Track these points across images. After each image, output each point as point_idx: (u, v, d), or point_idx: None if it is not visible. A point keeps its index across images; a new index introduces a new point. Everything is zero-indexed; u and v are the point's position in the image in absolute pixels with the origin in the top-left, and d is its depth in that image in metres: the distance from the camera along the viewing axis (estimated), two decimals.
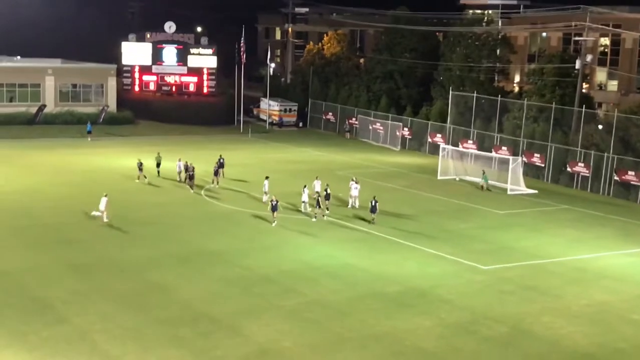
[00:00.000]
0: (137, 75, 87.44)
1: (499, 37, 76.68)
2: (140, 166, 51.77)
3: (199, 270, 33.81)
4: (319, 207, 43.55)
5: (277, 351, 25.80)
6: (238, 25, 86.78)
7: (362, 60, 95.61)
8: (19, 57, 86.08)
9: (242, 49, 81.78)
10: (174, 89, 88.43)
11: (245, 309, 29.40)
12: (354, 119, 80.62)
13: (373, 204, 43.30)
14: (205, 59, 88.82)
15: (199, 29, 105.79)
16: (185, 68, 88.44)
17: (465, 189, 55.76)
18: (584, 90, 65.27)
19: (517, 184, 55.18)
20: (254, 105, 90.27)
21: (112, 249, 36.64)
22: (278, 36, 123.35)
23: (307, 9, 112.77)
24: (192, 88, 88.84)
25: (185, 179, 50.81)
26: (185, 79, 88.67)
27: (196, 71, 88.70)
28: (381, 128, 76.41)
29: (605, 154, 55.97)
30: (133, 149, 64.06)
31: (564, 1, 76.66)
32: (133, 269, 33.63)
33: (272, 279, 33.03)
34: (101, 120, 77.47)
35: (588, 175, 57.09)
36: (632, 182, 54.36)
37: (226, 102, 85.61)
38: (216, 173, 51.86)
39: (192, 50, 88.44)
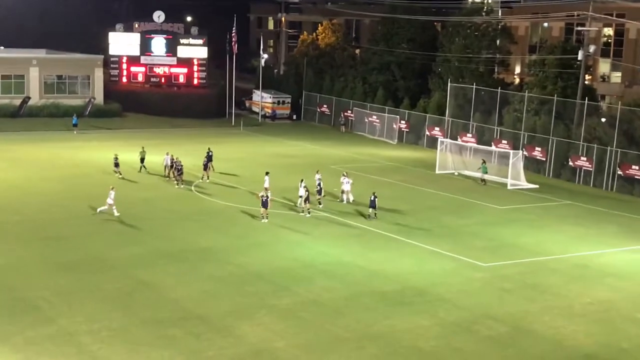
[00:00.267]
0: (124, 66, 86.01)
1: (499, 27, 75.94)
2: (116, 160, 50.79)
3: (190, 268, 33.40)
4: (309, 202, 43.01)
5: (270, 352, 25.47)
6: (229, 14, 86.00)
7: (357, 51, 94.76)
8: (2, 47, 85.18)
9: (233, 39, 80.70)
10: (163, 80, 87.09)
11: (237, 308, 29.06)
12: (349, 111, 79.93)
13: (372, 199, 42.92)
14: (195, 49, 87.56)
15: (188, 19, 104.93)
16: (175, 59, 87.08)
17: (464, 183, 55.46)
18: (586, 82, 64.89)
19: (517, 179, 54.83)
20: (246, 97, 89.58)
21: (100, 246, 36.12)
22: (271, 26, 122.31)
23: None
24: (181, 79, 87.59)
25: (173, 173, 49.88)
26: (174, 70, 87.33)
27: (186, 62, 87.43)
28: (377, 121, 75.79)
29: (609, 148, 55.67)
30: (120, 142, 63.15)
31: None
32: (121, 267, 33.15)
33: (265, 277, 32.63)
34: (87, 112, 76.10)
35: (591, 169, 56.77)
36: (636, 177, 54.11)
37: (217, 94, 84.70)
38: (206, 167, 51.02)
39: (182, 41, 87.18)
